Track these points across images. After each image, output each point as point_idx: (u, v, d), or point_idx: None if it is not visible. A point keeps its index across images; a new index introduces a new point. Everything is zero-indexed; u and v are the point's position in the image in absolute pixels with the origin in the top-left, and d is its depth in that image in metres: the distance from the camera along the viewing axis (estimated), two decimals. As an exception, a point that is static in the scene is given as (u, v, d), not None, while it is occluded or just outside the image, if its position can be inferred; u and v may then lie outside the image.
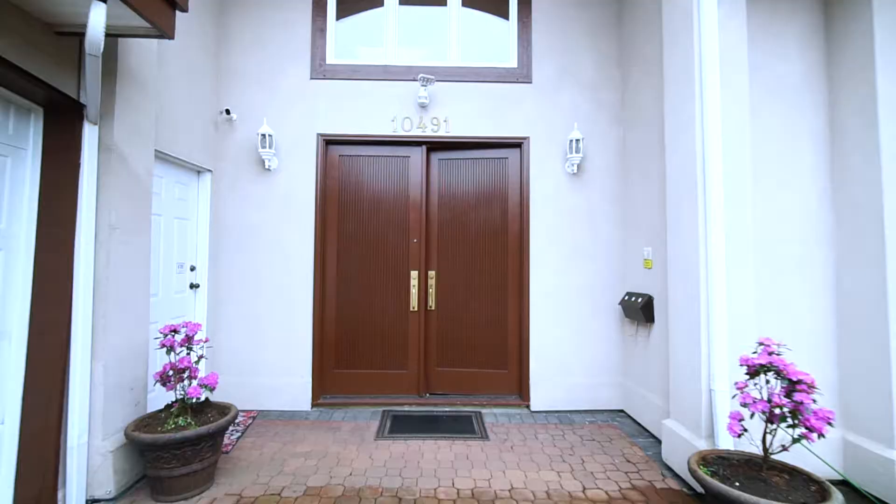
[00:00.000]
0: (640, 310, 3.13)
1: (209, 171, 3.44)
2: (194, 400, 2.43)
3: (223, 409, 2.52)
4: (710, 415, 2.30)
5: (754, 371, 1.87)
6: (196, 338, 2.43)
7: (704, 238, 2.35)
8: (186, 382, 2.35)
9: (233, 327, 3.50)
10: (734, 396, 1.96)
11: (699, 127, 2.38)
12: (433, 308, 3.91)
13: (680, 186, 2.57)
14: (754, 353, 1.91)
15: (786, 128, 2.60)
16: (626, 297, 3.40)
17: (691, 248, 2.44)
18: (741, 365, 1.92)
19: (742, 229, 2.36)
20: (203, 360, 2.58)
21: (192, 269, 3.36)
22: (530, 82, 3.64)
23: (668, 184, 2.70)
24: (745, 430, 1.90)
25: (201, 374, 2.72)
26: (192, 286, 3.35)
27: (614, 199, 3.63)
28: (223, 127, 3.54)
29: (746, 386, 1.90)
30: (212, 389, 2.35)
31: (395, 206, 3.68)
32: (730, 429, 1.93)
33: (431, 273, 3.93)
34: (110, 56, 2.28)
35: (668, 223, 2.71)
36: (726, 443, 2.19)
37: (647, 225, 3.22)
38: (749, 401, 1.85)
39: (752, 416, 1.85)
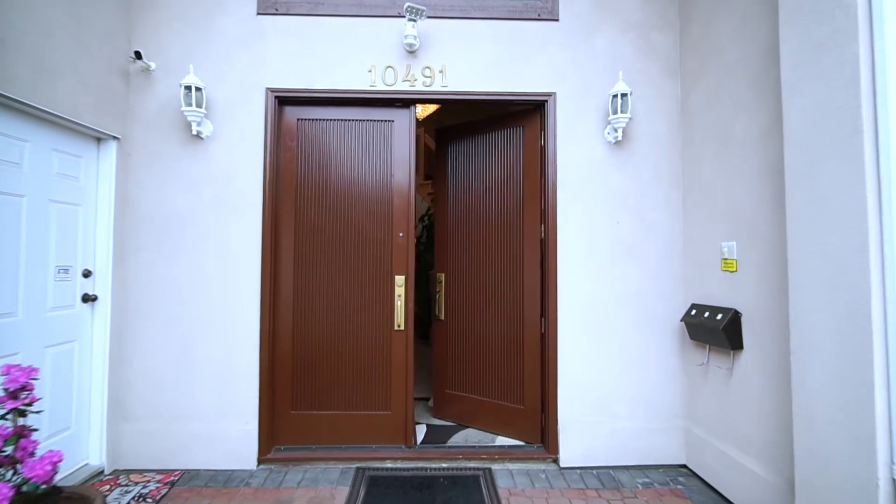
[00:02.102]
0: (719, 331, 2.18)
1: (115, 138, 2.48)
2: (38, 487, 1.47)
3: (81, 500, 1.56)
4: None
5: None
6: (25, 394, 1.46)
7: (878, 219, 1.41)
8: (5, 471, 1.39)
9: (148, 355, 2.54)
10: None
11: (865, 33, 1.44)
12: (442, 318, 3.16)
13: (818, 143, 1.62)
14: None
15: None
16: (693, 312, 2.45)
17: (850, 235, 1.49)
18: None
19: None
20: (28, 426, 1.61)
21: (87, 274, 2.39)
22: (556, 20, 2.70)
23: (790, 143, 1.75)
24: None
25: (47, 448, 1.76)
26: (85, 298, 2.38)
27: (671, 178, 2.69)
28: (137, 79, 2.59)
29: None
30: (37, 487, 1.38)
31: (375, 188, 2.73)
32: None
33: (441, 276, 3.18)
34: None
35: (788, 203, 1.76)
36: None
37: (728, 210, 2.28)
38: None
39: None
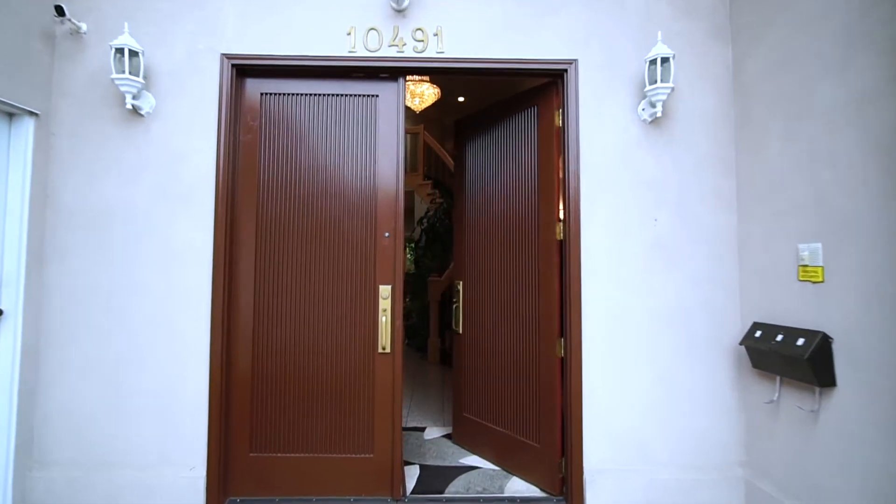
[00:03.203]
0: (802, 361, 1.65)
1: (32, 114, 2.01)
2: None
3: None
4: None
5: None
6: None
7: None
8: None
9: (70, 383, 2.04)
10: None
11: None
12: (460, 332, 2.78)
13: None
14: None
15: None
16: (758, 335, 1.92)
17: None
18: None
19: None
20: None
21: (-11, 283, 1.91)
22: (578, -29, 2.21)
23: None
24: None
25: None
26: (-15, 314, 1.90)
27: (721, 164, 2.17)
28: (65, 44, 2.11)
29: None
30: None
31: (356, 179, 2.23)
32: None
33: (459, 284, 2.79)
34: None
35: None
36: None
37: (807, 202, 1.75)
38: None
39: None
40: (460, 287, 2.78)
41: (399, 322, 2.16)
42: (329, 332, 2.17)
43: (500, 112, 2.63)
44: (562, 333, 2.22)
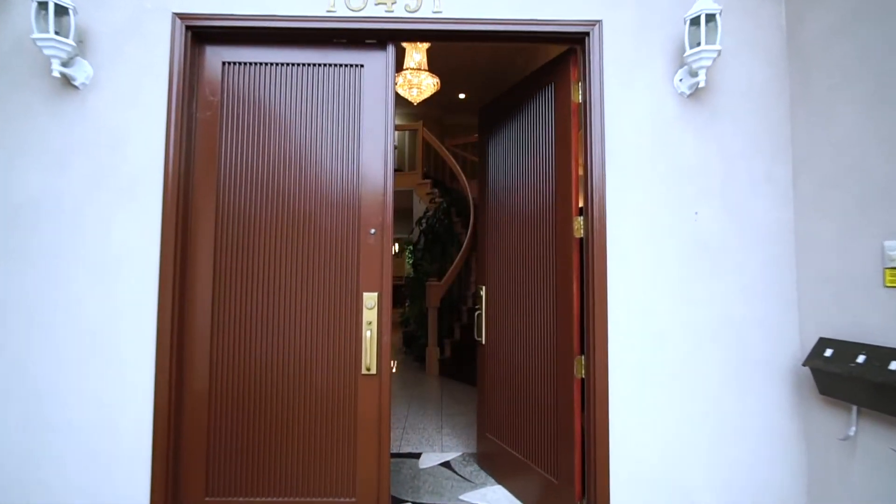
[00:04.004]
0: (890, 388, 1.28)
1: (-62, 84, 1.64)
2: None
3: None
4: None
5: None
6: None
7: None
8: None
9: (-18, 414, 1.66)
10: None
11: None
12: (483, 342, 2.52)
13: None
14: None
15: None
16: (827, 354, 1.55)
17: None
18: None
19: None
20: None
21: None
22: (602, -83, 1.85)
23: None
24: None
25: None
26: None
27: (774, 147, 1.80)
28: (-15, 3, 1.75)
29: None
30: None
31: (336, 166, 1.86)
32: None
33: (482, 289, 2.53)
34: None
35: None
36: None
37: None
38: None
39: None
40: (483, 292, 2.50)
41: (387, 338, 1.79)
42: (303, 350, 1.80)
43: (518, 96, 2.32)
44: (582, 350, 1.85)
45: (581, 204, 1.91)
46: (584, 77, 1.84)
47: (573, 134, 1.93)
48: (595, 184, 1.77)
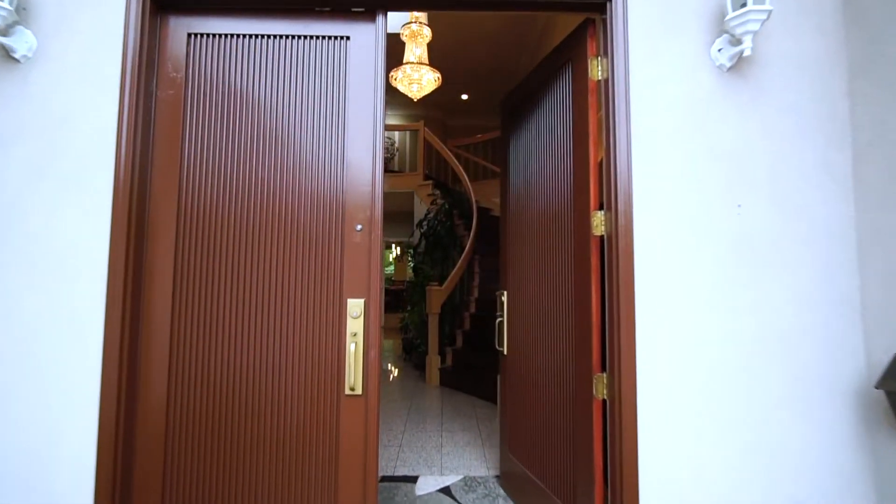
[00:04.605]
0: None
1: None
2: None
3: None
4: None
5: None
6: None
7: None
8: None
9: None
10: None
11: None
12: (506, 353, 2.30)
13: None
14: None
15: None
16: (909, 373, 1.27)
17: None
18: None
19: None
20: None
21: None
22: None
23: None
24: None
25: None
26: None
27: (830, 128, 1.54)
28: (-84, -34, 1.53)
29: None
30: None
31: (317, 153, 1.61)
32: None
33: (503, 295, 2.31)
34: None
35: None
36: None
37: None
38: None
39: None
40: (504, 298, 2.29)
41: (375, 352, 1.53)
42: (276, 364, 1.54)
43: (535, 81, 2.12)
44: (603, 366, 1.59)
45: (601, 197, 1.65)
46: (607, 49, 1.59)
47: (591, 116, 1.68)
48: (619, 172, 1.51)
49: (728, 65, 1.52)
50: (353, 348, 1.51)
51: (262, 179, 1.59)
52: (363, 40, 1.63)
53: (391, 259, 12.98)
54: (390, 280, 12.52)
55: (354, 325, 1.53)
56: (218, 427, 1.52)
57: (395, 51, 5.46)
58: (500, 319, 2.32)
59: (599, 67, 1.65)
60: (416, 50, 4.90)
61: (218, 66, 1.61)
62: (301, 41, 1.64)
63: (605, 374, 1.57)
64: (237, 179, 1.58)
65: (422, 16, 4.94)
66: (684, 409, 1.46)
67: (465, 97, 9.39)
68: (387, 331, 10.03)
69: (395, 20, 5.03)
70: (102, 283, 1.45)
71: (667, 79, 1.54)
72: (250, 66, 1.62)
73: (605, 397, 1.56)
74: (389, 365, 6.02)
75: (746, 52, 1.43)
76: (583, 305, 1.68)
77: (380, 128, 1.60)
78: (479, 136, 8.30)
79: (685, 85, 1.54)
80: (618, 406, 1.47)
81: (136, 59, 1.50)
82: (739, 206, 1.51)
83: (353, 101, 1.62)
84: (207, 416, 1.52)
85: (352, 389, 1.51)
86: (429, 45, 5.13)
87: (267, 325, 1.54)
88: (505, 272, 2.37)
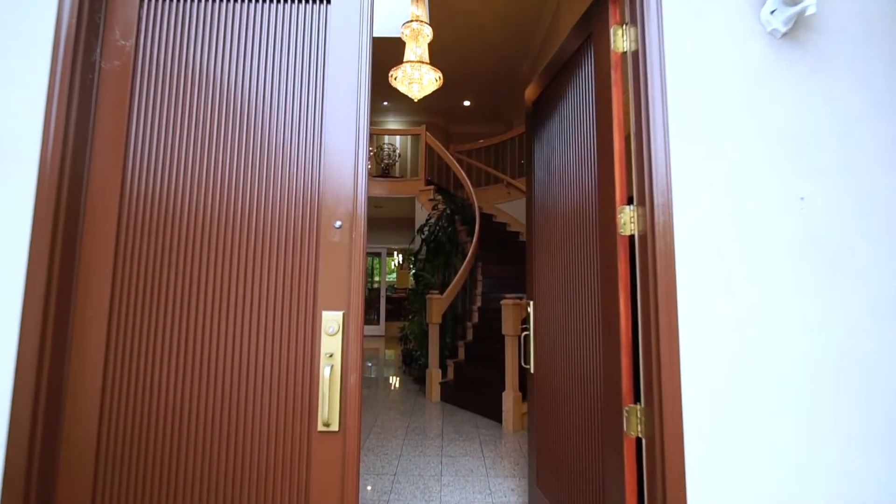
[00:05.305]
0: None
1: None
2: None
3: None
4: None
5: None
6: None
7: None
8: None
9: None
10: None
11: None
12: (532, 371, 2.04)
13: None
14: None
15: None
16: None
17: None
18: None
19: None
20: None
21: None
22: None
23: None
24: None
25: None
26: None
27: (912, 105, 1.27)
28: None
29: None
30: None
31: (288, 138, 1.35)
32: None
33: (530, 306, 2.05)
34: None
35: None
36: None
37: None
38: None
39: None
40: (531, 309, 2.05)
41: (356, 377, 1.24)
42: (234, 396, 1.26)
43: (559, 65, 1.85)
44: (636, 397, 1.30)
45: (629, 189, 1.38)
46: (635, 16, 1.33)
47: (615, 94, 1.42)
48: (655, 158, 1.24)
49: (783, 30, 1.26)
50: (329, 372, 1.22)
51: (225, 167, 1.33)
52: (346, 4, 1.38)
53: (393, 266, 12.78)
54: (392, 288, 12.35)
55: (330, 343, 1.25)
56: (161, 469, 1.23)
57: (395, 51, 5.27)
58: (525, 333, 2.05)
59: (625, 37, 1.39)
60: (416, 49, 4.70)
61: (175, 33, 1.37)
62: (272, 5, 1.39)
63: (638, 406, 1.28)
64: (194, 168, 1.32)
65: (422, 14, 4.75)
66: (743, 449, 1.17)
67: (467, 103, 9.21)
68: (387, 340, 9.71)
69: (395, 20, 4.85)
70: (18, 295, 1.18)
71: (709, 48, 1.28)
72: (213, 35, 1.37)
73: (642, 435, 1.27)
74: (389, 377, 5.71)
75: (811, 10, 1.16)
76: (610, 320, 1.40)
77: (364, 107, 1.35)
78: (481, 140, 8.09)
79: (730, 55, 1.27)
80: (659, 447, 1.17)
81: (75, 20, 1.26)
82: (802, 198, 1.24)
83: (332, 77, 1.36)
84: (150, 458, 1.23)
85: (326, 425, 1.22)
86: (430, 49, 4.94)
87: (223, 346, 1.26)
88: (531, 280, 2.10)
